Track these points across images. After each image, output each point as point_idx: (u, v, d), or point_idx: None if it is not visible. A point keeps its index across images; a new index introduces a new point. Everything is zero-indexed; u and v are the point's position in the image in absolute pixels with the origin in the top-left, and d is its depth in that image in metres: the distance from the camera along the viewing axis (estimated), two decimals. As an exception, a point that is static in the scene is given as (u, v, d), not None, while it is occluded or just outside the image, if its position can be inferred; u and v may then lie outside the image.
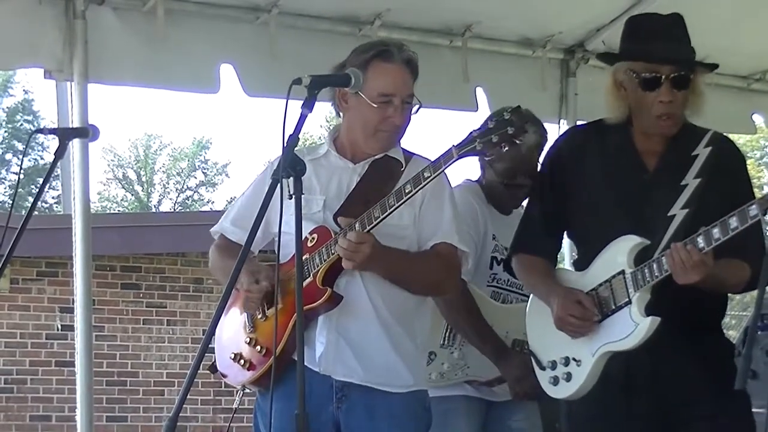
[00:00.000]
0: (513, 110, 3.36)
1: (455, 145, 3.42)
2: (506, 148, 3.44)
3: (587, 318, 3.50)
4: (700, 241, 3.26)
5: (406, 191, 3.47)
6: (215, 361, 3.93)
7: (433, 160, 3.49)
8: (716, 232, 3.23)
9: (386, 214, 3.49)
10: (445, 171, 3.50)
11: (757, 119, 6.59)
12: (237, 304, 3.87)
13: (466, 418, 4.40)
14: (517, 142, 3.41)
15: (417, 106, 3.70)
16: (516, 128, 3.34)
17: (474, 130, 3.39)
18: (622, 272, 3.48)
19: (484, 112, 5.74)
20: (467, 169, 4.09)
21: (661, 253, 3.41)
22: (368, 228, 3.51)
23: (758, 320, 3.18)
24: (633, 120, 3.63)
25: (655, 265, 3.39)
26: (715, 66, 3.64)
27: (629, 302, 3.45)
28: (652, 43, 3.56)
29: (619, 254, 3.50)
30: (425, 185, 3.47)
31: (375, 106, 3.62)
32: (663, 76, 3.51)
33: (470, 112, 5.82)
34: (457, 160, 3.42)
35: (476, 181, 4.60)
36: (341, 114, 3.78)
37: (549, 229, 3.79)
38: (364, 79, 3.56)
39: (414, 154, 3.79)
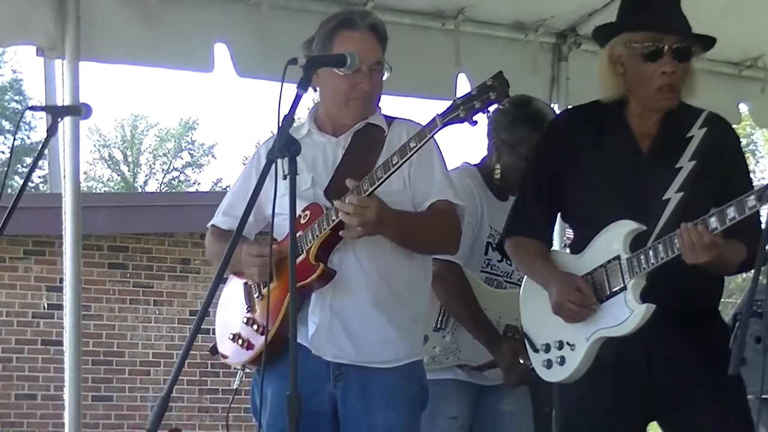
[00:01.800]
0: (495, 76, 3.35)
1: (439, 114, 3.40)
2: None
3: (586, 305, 3.48)
4: (713, 222, 3.22)
5: (393, 163, 3.45)
6: (216, 343, 3.93)
7: (418, 130, 3.46)
8: (731, 211, 3.17)
9: (375, 186, 3.47)
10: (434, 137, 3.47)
11: (743, 108, 6.59)
12: (235, 285, 3.87)
13: (457, 401, 4.40)
14: (501, 106, 3.38)
15: (387, 72, 3.69)
16: (498, 93, 3.31)
17: (458, 98, 3.38)
18: (618, 258, 3.46)
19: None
20: (466, 153, 4.08)
21: (656, 239, 3.39)
22: None
23: (751, 306, 3.13)
24: (629, 99, 3.60)
25: (651, 252, 3.38)
26: (712, 41, 3.58)
27: (624, 288, 3.44)
28: (655, 12, 3.52)
29: (614, 239, 3.48)
30: (411, 156, 3.45)
31: (342, 74, 3.59)
32: (666, 47, 3.47)
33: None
34: (441, 128, 3.40)
35: (475, 165, 4.58)
36: (316, 89, 3.74)
37: (543, 212, 3.76)
38: (332, 50, 3.56)
39: (395, 117, 3.77)
